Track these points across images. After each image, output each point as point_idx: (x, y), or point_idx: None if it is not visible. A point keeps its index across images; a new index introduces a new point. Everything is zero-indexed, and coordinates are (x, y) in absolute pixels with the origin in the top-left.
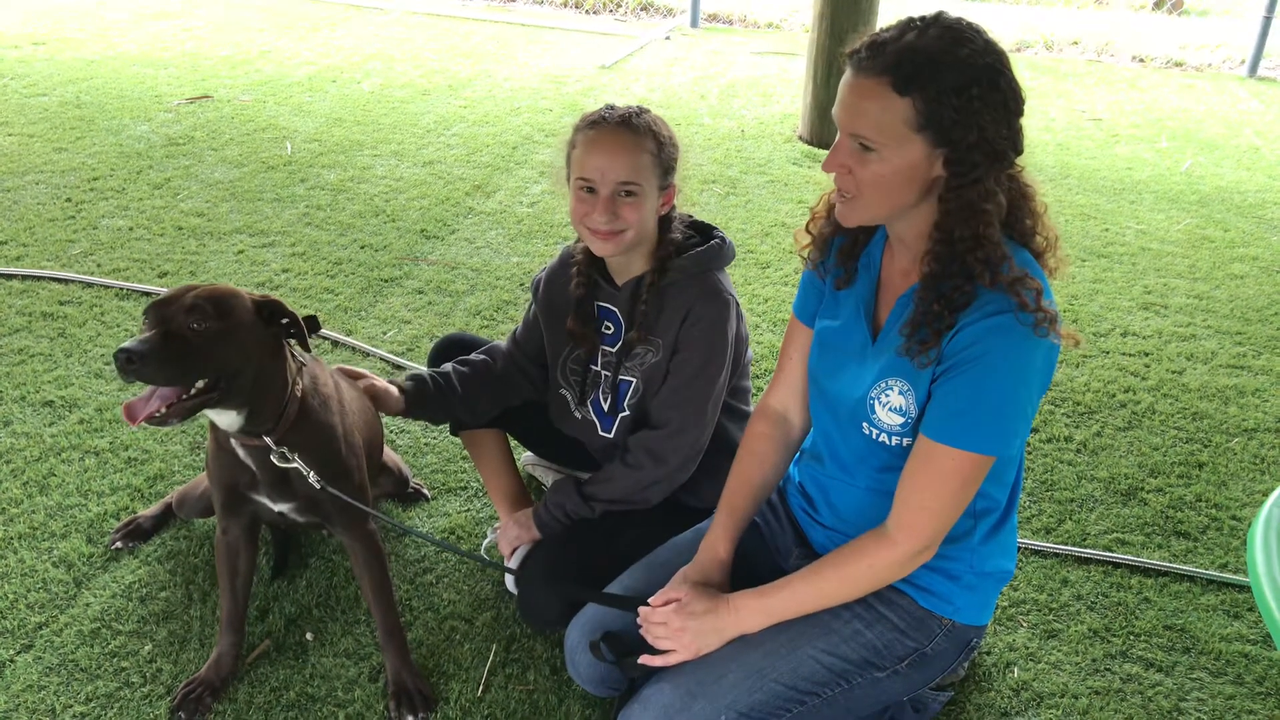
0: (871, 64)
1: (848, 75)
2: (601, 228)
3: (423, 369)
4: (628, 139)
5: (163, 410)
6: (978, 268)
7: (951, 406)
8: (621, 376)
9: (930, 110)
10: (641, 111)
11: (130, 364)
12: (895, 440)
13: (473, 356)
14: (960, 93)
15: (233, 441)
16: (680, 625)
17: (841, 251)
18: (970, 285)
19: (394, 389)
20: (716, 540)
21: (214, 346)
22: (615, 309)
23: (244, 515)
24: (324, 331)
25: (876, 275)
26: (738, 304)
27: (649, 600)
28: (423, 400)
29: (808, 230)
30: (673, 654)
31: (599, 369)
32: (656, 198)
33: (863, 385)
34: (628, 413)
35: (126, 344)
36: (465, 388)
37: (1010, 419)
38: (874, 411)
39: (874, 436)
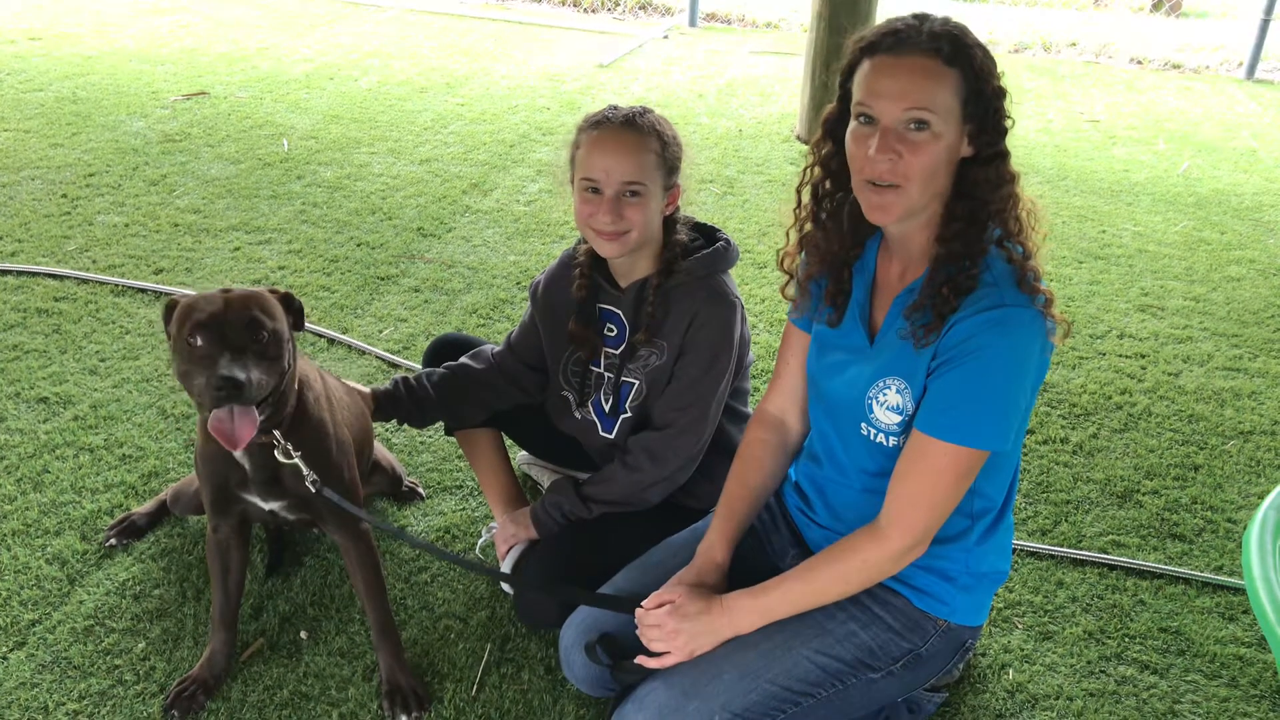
0: (917, 43)
1: (884, 59)
2: (606, 228)
3: (416, 367)
4: (632, 139)
5: (255, 427)
6: (989, 246)
7: (945, 401)
8: (624, 378)
9: (968, 83)
10: (645, 111)
11: (237, 390)
12: (893, 442)
13: (457, 361)
14: (982, 70)
15: None
16: (675, 627)
17: (829, 293)
18: (976, 269)
19: (366, 391)
20: (714, 545)
21: (277, 354)
22: (619, 311)
23: (234, 514)
24: (320, 329)
25: (871, 278)
26: (742, 306)
27: (642, 602)
28: (393, 404)
29: (781, 266)
30: (667, 655)
31: (601, 371)
32: (661, 198)
33: (861, 386)
34: (629, 414)
35: (230, 373)
36: (440, 393)
37: (1004, 413)
38: (872, 411)
39: (872, 437)
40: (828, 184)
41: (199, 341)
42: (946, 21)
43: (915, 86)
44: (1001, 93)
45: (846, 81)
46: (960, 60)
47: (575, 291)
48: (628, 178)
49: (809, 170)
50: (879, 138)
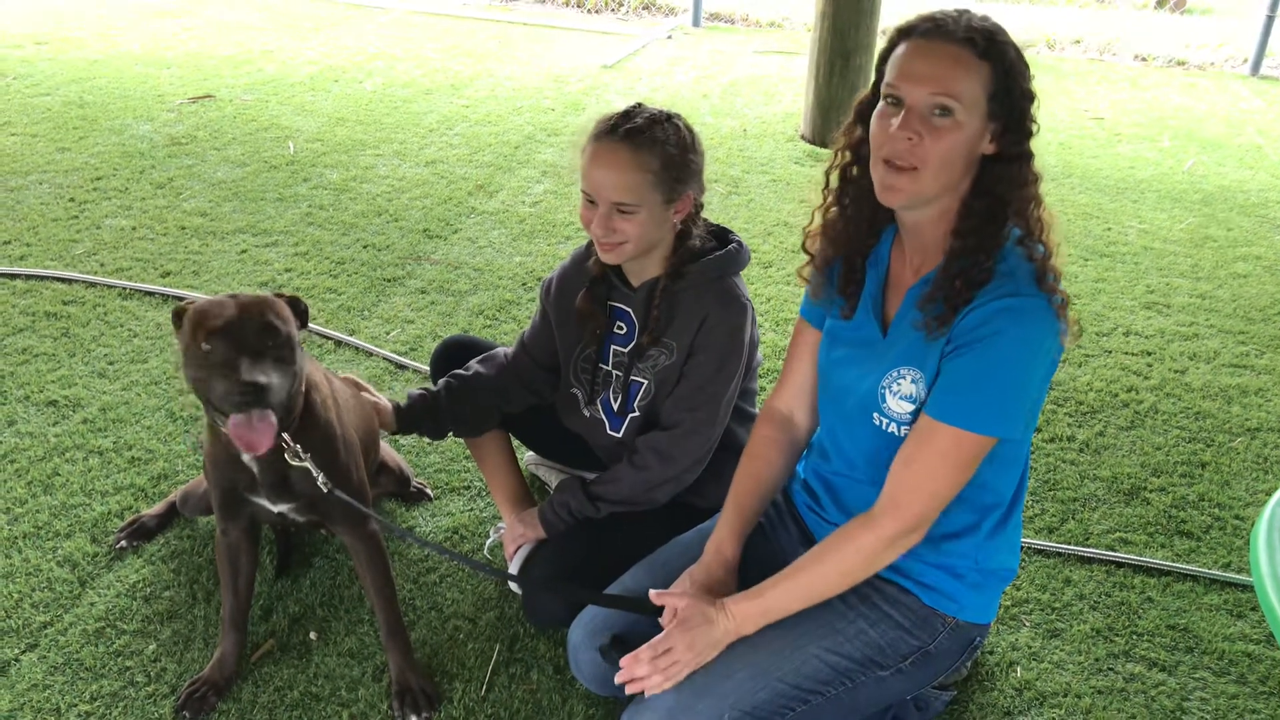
0: (953, 32)
1: (919, 43)
2: (600, 239)
3: (424, 368)
4: (627, 158)
5: (274, 431)
6: (1005, 243)
7: (954, 385)
8: (633, 377)
9: (998, 80)
10: (657, 122)
11: (261, 395)
12: (904, 431)
13: (467, 369)
14: (1013, 69)
15: None
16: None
17: (841, 282)
18: (990, 262)
19: (388, 406)
20: (723, 541)
21: (291, 358)
22: (629, 309)
23: (243, 517)
24: (327, 331)
25: (885, 271)
26: (753, 309)
27: (649, 595)
28: (411, 419)
29: (804, 248)
30: (675, 667)
31: (609, 368)
32: (661, 210)
33: (873, 377)
34: (637, 414)
35: (253, 378)
36: (453, 403)
37: (1014, 399)
38: (884, 401)
39: (884, 427)
40: (854, 170)
41: (214, 348)
42: (986, 19)
43: (944, 72)
44: (1030, 96)
45: (882, 65)
46: (993, 55)
47: (590, 264)
48: (615, 198)
49: (839, 153)
50: (902, 116)
